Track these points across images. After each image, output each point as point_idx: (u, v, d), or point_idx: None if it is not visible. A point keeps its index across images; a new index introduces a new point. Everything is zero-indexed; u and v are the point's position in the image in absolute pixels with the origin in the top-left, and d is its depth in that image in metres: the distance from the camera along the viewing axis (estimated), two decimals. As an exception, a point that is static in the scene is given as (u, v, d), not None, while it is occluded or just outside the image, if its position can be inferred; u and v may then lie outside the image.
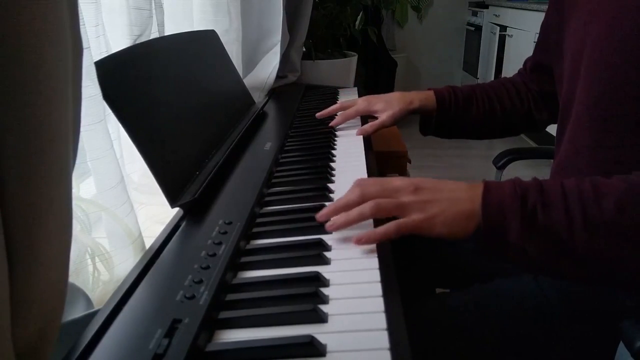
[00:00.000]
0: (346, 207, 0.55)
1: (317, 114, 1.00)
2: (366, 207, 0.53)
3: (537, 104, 0.91)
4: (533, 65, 0.91)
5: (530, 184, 0.51)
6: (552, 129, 0.91)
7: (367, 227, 0.55)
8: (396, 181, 0.55)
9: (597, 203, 0.48)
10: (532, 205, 0.49)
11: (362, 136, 0.92)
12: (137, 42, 0.80)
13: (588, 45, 0.62)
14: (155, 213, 0.73)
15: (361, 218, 0.53)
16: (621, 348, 0.55)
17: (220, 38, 1.04)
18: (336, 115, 0.98)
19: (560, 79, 0.73)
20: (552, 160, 0.76)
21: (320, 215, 0.56)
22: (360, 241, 0.52)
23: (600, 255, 0.48)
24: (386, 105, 0.92)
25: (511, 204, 0.49)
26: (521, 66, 0.97)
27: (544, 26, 0.83)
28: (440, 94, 0.92)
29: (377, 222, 0.56)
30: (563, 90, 0.71)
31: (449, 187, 0.54)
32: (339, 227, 0.54)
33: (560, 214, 0.48)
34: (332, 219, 0.55)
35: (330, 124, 0.96)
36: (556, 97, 0.77)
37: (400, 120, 0.92)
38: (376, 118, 0.93)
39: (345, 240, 0.55)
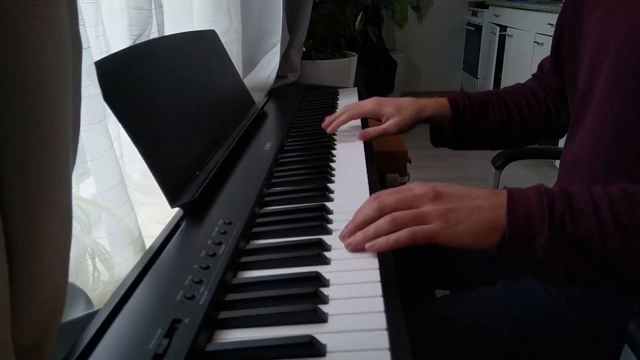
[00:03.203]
0: (364, 223, 0.52)
1: (329, 129, 0.91)
2: (383, 222, 0.50)
3: (557, 105, 0.86)
4: (553, 61, 0.84)
5: (556, 191, 0.49)
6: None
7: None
8: (415, 188, 0.53)
9: (629, 208, 0.46)
10: (560, 213, 0.47)
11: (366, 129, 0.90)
12: (137, 42, 0.80)
13: (612, 43, 0.61)
14: (155, 213, 0.73)
15: (378, 235, 0.51)
16: (626, 351, 0.55)
17: (220, 38, 1.04)
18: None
19: (574, 75, 0.71)
20: (551, 161, 0.76)
21: (342, 236, 0.54)
22: (372, 248, 0.50)
23: (634, 262, 0.46)
24: (395, 111, 0.85)
25: (539, 213, 0.47)
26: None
27: (560, 20, 0.79)
28: (454, 100, 0.86)
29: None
30: (578, 86, 0.69)
31: (471, 194, 0.51)
32: (356, 247, 0.51)
33: (591, 221, 0.46)
34: (349, 239, 0.52)
35: (333, 126, 0.90)
36: None
37: (410, 128, 0.86)
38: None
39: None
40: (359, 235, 0.51)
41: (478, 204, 0.50)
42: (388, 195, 0.53)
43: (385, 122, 0.87)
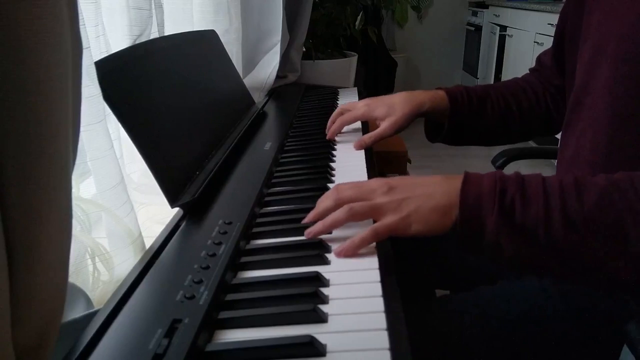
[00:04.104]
0: (323, 213, 0.55)
1: (328, 137, 0.90)
2: (340, 212, 0.53)
3: (556, 101, 0.85)
4: (555, 58, 0.83)
5: (511, 177, 0.50)
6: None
7: (367, 225, 0.55)
8: (372, 183, 0.55)
9: (578, 199, 0.47)
10: (510, 200, 0.48)
11: (362, 133, 0.89)
12: (137, 42, 0.80)
13: (612, 42, 0.61)
14: (155, 213, 0.73)
15: (336, 224, 0.53)
16: (625, 351, 0.55)
17: (220, 38, 1.04)
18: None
19: (572, 71, 0.71)
20: (551, 160, 0.76)
21: (304, 222, 0.57)
22: (340, 254, 0.51)
23: (577, 253, 0.47)
24: (388, 111, 0.82)
25: (489, 198, 0.48)
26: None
27: (562, 15, 0.78)
28: (452, 93, 0.83)
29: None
30: (576, 83, 0.69)
31: (424, 182, 0.53)
32: (315, 235, 0.54)
33: (539, 209, 0.47)
34: (309, 229, 0.55)
35: (328, 136, 0.89)
36: None
37: (407, 126, 0.83)
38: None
39: (345, 239, 0.55)
40: (318, 225, 0.54)
41: (430, 191, 0.52)
42: (347, 189, 0.55)
43: (379, 124, 0.84)
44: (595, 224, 0.46)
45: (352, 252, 0.51)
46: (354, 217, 0.53)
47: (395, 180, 0.55)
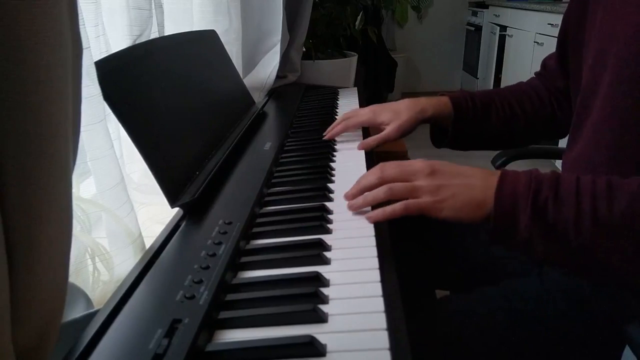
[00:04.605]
0: (365, 189, 0.59)
1: (326, 137, 0.89)
2: (380, 191, 0.57)
3: (561, 105, 0.85)
4: (559, 60, 0.83)
5: (546, 177, 0.51)
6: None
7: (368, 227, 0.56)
8: (416, 164, 0.58)
9: (609, 203, 0.47)
10: (544, 199, 0.49)
11: (362, 136, 0.89)
12: (137, 42, 0.80)
13: (616, 44, 0.61)
14: (155, 213, 0.73)
15: (375, 201, 0.58)
16: (627, 352, 0.55)
17: (220, 38, 1.04)
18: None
19: (577, 75, 0.71)
20: (552, 161, 0.76)
21: (347, 196, 0.62)
22: (370, 218, 0.57)
23: (606, 257, 0.47)
24: (393, 116, 0.83)
25: (523, 197, 0.50)
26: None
27: (565, 20, 0.78)
28: (456, 99, 0.84)
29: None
30: (581, 87, 0.69)
31: (466, 172, 0.56)
32: (357, 209, 0.59)
33: (570, 211, 0.48)
34: (351, 202, 0.60)
35: (328, 135, 0.89)
36: None
37: (411, 131, 0.84)
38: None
39: (345, 240, 0.55)
40: (360, 200, 0.59)
41: (470, 182, 0.54)
42: (391, 168, 0.59)
43: (384, 129, 0.84)
44: (623, 229, 0.47)
45: (381, 219, 0.56)
46: (393, 197, 0.56)
47: (439, 164, 0.57)
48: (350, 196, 0.61)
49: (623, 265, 0.48)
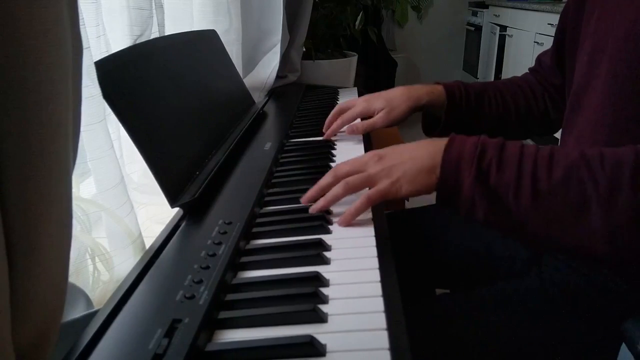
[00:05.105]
0: (323, 190, 0.60)
1: (325, 137, 0.90)
2: (338, 187, 0.58)
3: (555, 101, 0.86)
4: (555, 58, 0.83)
5: (492, 142, 0.52)
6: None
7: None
8: (365, 155, 0.59)
9: (548, 170, 0.48)
10: (488, 162, 0.51)
11: (362, 136, 0.89)
12: (137, 42, 0.80)
13: (610, 42, 0.61)
14: (155, 213, 0.73)
15: (336, 198, 0.58)
16: (623, 350, 0.55)
17: (220, 38, 1.04)
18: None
19: (572, 70, 0.71)
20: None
21: (305, 199, 0.62)
22: (342, 223, 0.57)
23: (544, 223, 0.48)
24: (385, 104, 0.84)
25: (469, 158, 0.51)
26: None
27: (562, 17, 0.79)
28: (450, 88, 0.84)
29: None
30: (575, 83, 0.69)
31: (411, 147, 0.57)
32: (319, 210, 0.59)
33: (511, 175, 0.49)
34: (313, 206, 0.60)
35: (327, 135, 0.89)
36: None
37: (404, 119, 0.84)
38: None
39: (345, 240, 0.55)
40: (320, 201, 0.59)
41: (417, 154, 0.56)
42: (343, 164, 0.60)
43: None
44: (559, 196, 0.47)
45: (350, 220, 0.57)
46: (352, 189, 0.57)
47: (385, 149, 0.59)
48: (308, 199, 0.61)
49: (562, 234, 0.48)
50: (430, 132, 0.91)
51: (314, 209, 0.59)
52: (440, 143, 0.54)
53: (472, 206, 0.51)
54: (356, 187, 0.57)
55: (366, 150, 0.84)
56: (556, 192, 0.48)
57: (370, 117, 0.87)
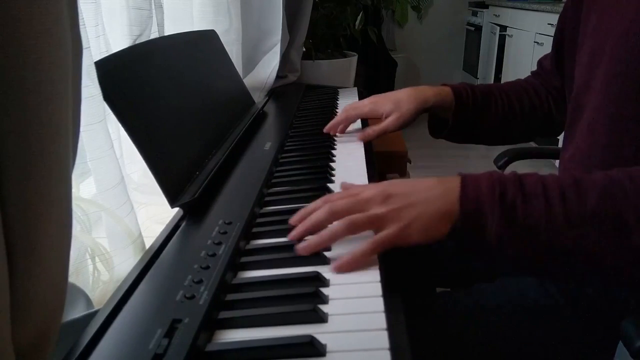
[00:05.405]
0: (316, 226, 0.52)
1: (326, 130, 0.90)
2: (339, 225, 0.50)
3: (558, 103, 0.86)
4: (555, 60, 0.84)
5: (509, 179, 0.50)
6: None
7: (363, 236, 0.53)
8: (365, 191, 0.52)
9: (578, 195, 0.47)
10: (512, 200, 0.48)
11: (365, 129, 0.89)
12: (137, 42, 0.80)
13: (609, 42, 0.61)
14: (155, 213, 0.73)
15: (334, 238, 0.51)
16: (620, 348, 0.55)
17: (220, 38, 1.04)
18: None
19: (572, 72, 0.71)
20: (552, 161, 0.76)
21: (292, 236, 0.53)
22: (340, 269, 0.48)
23: (582, 249, 0.47)
24: (394, 107, 0.83)
25: (489, 199, 0.48)
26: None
27: (561, 19, 0.79)
28: (457, 90, 0.83)
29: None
30: (575, 84, 0.69)
31: (420, 187, 0.52)
32: (312, 250, 0.50)
33: (541, 208, 0.47)
34: (304, 242, 0.51)
35: (329, 127, 0.89)
36: None
37: (412, 121, 0.84)
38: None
39: (345, 239, 0.55)
40: (315, 239, 0.51)
41: (429, 196, 0.50)
42: (340, 199, 0.52)
43: (384, 119, 0.85)
44: (597, 220, 0.46)
45: (354, 267, 0.48)
46: (356, 231, 0.51)
47: (390, 187, 0.52)
48: (297, 235, 0.52)
49: (600, 258, 0.47)
50: (436, 134, 0.90)
51: (304, 248, 0.50)
52: (451, 184, 0.50)
53: (500, 248, 0.48)
54: (361, 228, 0.50)
55: (366, 150, 0.84)
56: (593, 218, 0.46)
57: (377, 119, 0.86)
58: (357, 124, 0.97)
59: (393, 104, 0.83)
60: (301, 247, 0.51)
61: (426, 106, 0.83)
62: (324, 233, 0.51)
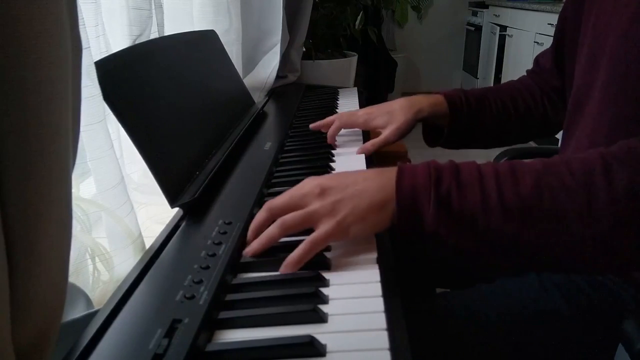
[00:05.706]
0: (257, 229, 0.52)
1: (311, 125, 0.90)
2: (273, 228, 0.50)
3: (554, 103, 0.85)
4: (555, 60, 0.83)
5: (445, 166, 0.49)
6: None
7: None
8: (304, 186, 0.52)
9: (514, 186, 0.46)
10: (447, 189, 0.47)
11: (361, 136, 0.89)
12: (136, 42, 0.80)
13: (609, 42, 0.60)
14: (155, 213, 0.73)
15: (272, 240, 0.50)
16: (620, 349, 0.55)
17: (220, 38, 1.04)
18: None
19: (572, 72, 0.71)
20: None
21: (245, 252, 0.53)
22: (282, 271, 0.48)
23: (518, 240, 0.46)
24: (389, 119, 0.82)
25: (425, 189, 0.47)
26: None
27: (561, 17, 0.78)
28: (451, 98, 0.83)
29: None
30: (575, 84, 0.69)
31: (357, 179, 0.51)
32: (255, 254, 0.51)
33: (476, 197, 0.46)
34: (246, 249, 0.52)
35: (316, 127, 0.89)
36: None
37: (409, 132, 0.83)
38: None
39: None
40: (255, 244, 0.51)
41: (364, 187, 0.50)
42: (278, 199, 0.53)
43: (380, 132, 0.84)
44: (533, 209, 0.46)
45: (292, 269, 0.48)
46: (289, 230, 0.50)
47: (327, 180, 0.52)
48: (248, 244, 0.53)
49: (539, 248, 0.46)
50: (431, 143, 0.90)
51: (247, 252, 0.51)
52: (388, 174, 0.50)
53: (438, 236, 0.48)
54: (294, 227, 0.50)
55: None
56: (528, 207, 0.45)
57: (371, 131, 0.86)
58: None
59: (387, 116, 0.83)
60: (244, 252, 0.52)
61: (420, 116, 0.82)
62: (262, 237, 0.51)
